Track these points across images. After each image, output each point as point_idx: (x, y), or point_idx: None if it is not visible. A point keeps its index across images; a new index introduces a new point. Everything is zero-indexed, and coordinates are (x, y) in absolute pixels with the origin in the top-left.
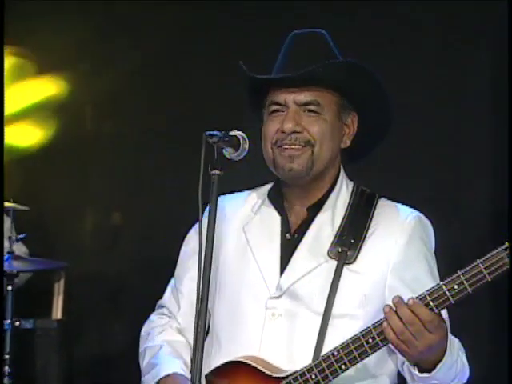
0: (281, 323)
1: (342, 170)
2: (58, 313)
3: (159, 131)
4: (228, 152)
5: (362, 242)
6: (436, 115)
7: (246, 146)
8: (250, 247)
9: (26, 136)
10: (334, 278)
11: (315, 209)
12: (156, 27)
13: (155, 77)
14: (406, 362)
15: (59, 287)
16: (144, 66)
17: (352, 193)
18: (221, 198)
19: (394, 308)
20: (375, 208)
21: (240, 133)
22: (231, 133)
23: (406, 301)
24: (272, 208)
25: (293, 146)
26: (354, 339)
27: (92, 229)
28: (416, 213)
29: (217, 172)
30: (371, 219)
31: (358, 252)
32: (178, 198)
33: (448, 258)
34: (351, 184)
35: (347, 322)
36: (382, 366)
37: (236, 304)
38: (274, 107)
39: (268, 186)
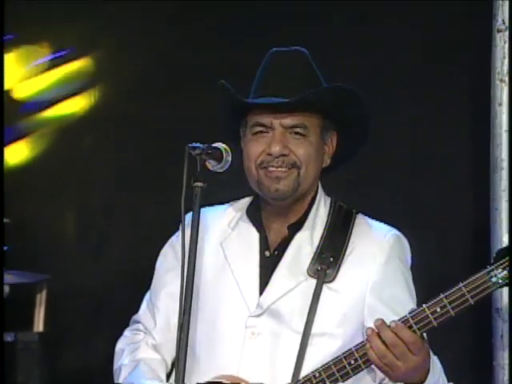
0: (260, 342)
1: (320, 186)
2: (39, 325)
3: (143, 145)
4: (211, 164)
5: (341, 260)
6: (413, 128)
7: (229, 158)
8: (229, 263)
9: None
10: (313, 296)
11: (295, 227)
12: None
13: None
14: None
15: (41, 299)
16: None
17: (330, 209)
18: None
19: (377, 330)
20: (353, 226)
21: (223, 145)
22: (214, 145)
23: (387, 322)
24: (250, 224)
25: (279, 169)
26: (336, 361)
27: (75, 241)
28: (394, 231)
29: (200, 184)
30: (349, 237)
31: (337, 270)
32: (162, 210)
33: (425, 273)
34: (328, 200)
35: (326, 341)
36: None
37: (214, 321)
38: (259, 128)
39: (245, 201)
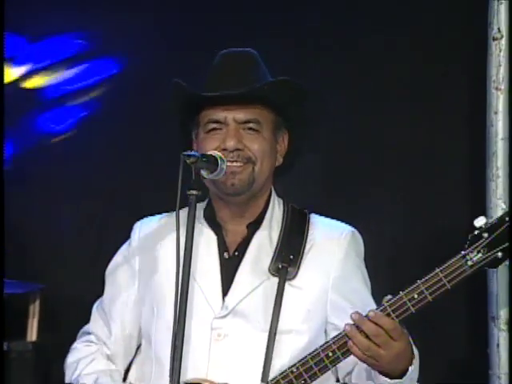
0: (227, 343)
1: (272, 187)
2: (33, 335)
3: (134, 153)
4: (206, 172)
5: (301, 257)
6: (412, 131)
7: (224, 165)
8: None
9: None
10: (276, 294)
11: (254, 227)
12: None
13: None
14: (364, 372)
15: (34, 308)
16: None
17: (284, 210)
18: (149, 220)
19: (356, 324)
20: (308, 224)
21: (217, 153)
22: (209, 153)
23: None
24: (207, 227)
25: (234, 163)
26: (314, 355)
27: (69, 250)
28: (349, 227)
29: (194, 192)
30: (307, 236)
31: (298, 268)
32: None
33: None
34: (281, 201)
35: (293, 338)
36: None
37: None
38: (213, 125)
39: (200, 205)
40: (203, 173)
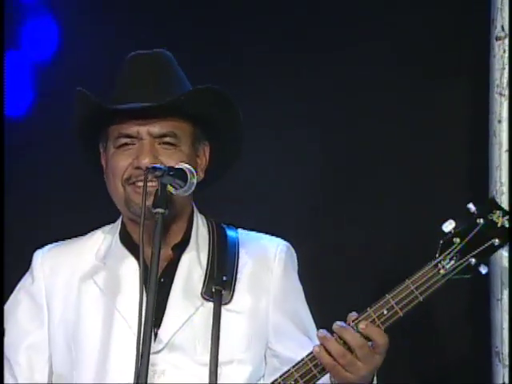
0: (165, 380)
1: (194, 205)
2: None
3: None
4: (173, 187)
5: (235, 278)
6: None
7: (194, 180)
8: (110, 300)
9: None
10: (213, 321)
11: (180, 248)
12: None
13: None
14: None
15: None
16: None
17: (209, 227)
18: (53, 247)
19: (338, 339)
20: (239, 241)
21: (187, 166)
22: (177, 166)
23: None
24: (126, 252)
25: (149, 183)
26: (286, 375)
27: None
28: (283, 241)
29: (161, 211)
30: (238, 253)
31: (233, 290)
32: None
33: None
34: (204, 217)
35: (236, 368)
36: None
37: (104, 365)
38: (124, 140)
39: (109, 227)
40: (170, 188)
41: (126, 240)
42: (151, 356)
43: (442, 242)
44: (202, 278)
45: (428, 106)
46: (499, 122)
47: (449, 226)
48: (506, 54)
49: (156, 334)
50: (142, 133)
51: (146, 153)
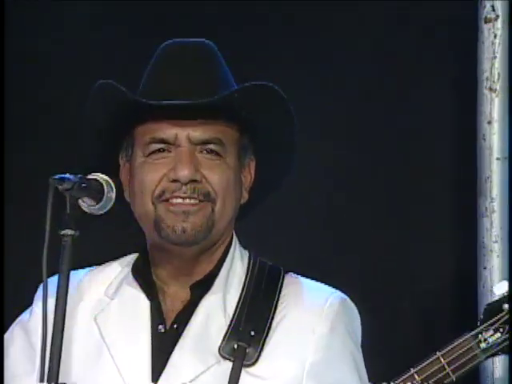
0: None
1: (234, 235)
2: None
3: None
4: (86, 203)
5: (266, 334)
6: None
7: (113, 194)
8: (107, 347)
9: None
10: None
11: (201, 288)
12: None
13: None
14: None
15: None
16: None
17: (249, 267)
18: (53, 280)
19: None
20: (281, 287)
21: (103, 176)
22: (91, 176)
23: None
24: (138, 289)
25: (188, 200)
26: None
27: None
28: (338, 293)
29: (69, 232)
30: (277, 303)
31: (261, 349)
32: (18, 267)
33: None
34: (246, 255)
35: None
36: None
37: None
38: (157, 146)
39: (129, 259)
40: (83, 205)
41: (142, 272)
42: None
43: (485, 307)
44: (225, 329)
45: (404, 108)
46: (489, 123)
47: (501, 288)
48: (497, 40)
49: None
50: (181, 138)
51: (185, 162)
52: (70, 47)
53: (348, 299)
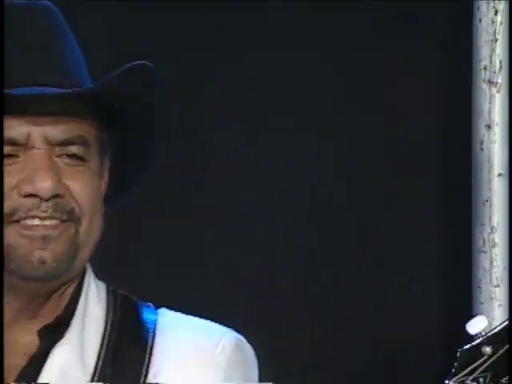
0: None
1: (88, 263)
2: None
3: None
4: None
5: None
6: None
7: None
8: None
9: None
10: None
11: (51, 335)
12: None
13: None
14: None
15: None
16: None
17: (108, 302)
18: None
19: None
20: (155, 330)
21: None
22: None
23: None
24: None
25: (47, 222)
26: None
27: None
28: (232, 333)
29: None
30: (151, 351)
31: None
32: None
33: None
34: (103, 288)
35: None
36: None
37: None
38: (7, 148)
39: None
40: None
41: None
42: None
43: (461, 350)
44: None
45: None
46: (488, 127)
47: (477, 327)
48: (499, 17)
49: None
50: (35, 138)
51: (44, 170)
52: None
53: (244, 340)
